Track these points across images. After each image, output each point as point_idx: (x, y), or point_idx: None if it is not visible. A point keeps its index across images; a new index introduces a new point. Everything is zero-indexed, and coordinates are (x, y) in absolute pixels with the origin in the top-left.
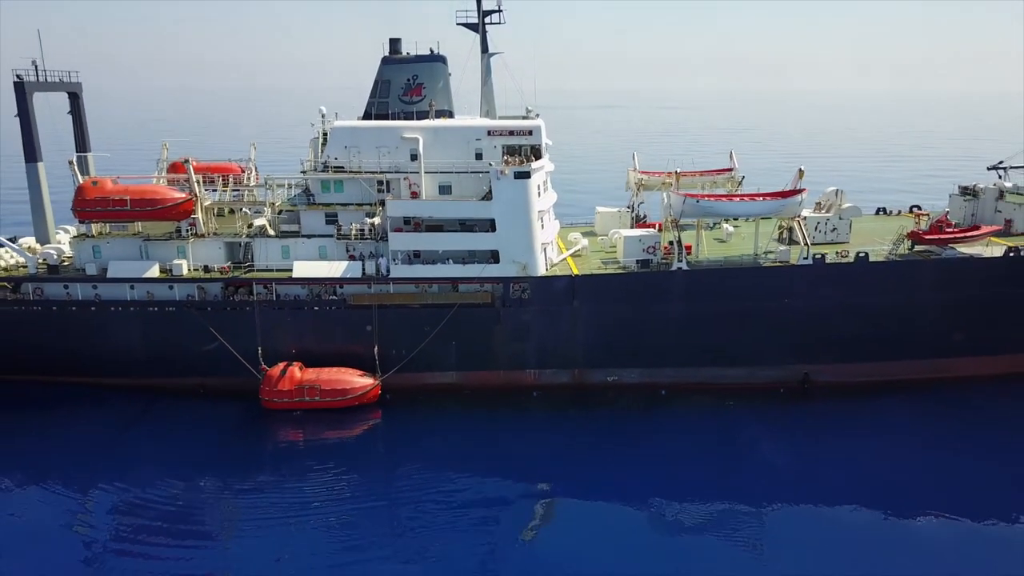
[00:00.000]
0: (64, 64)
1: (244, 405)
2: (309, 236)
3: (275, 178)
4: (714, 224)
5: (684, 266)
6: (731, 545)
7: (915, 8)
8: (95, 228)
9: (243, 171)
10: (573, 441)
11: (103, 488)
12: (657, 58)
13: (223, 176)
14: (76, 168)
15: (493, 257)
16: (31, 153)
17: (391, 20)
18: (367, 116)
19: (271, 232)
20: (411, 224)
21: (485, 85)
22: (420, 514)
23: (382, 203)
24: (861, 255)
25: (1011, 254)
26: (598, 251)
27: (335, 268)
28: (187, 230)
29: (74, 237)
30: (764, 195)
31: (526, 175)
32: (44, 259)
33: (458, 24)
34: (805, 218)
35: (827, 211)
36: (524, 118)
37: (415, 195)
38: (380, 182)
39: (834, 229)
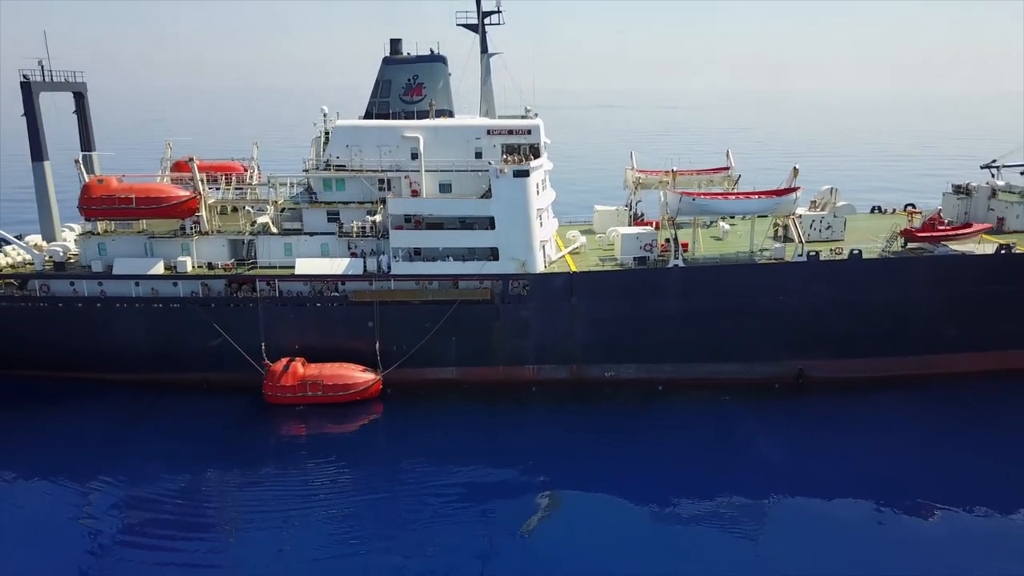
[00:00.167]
0: (64, 64)
1: (248, 400)
2: (311, 234)
3: (278, 176)
4: (710, 222)
5: (681, 263)
6: (727, 538)
7: (915, 8)
8: (101, 226)
9: (246, 170)
10: (571, 436)
11: (108, 481)
12: (657, 58)
13: (226, 175)
14: (82, 167)
15: (492, 254)
16: (37, 152)
17: (391, 20)
18: (368, 116)
19: (274, 230)
20: (412, 222)
21: (485, 85)
22: (421, 507)
23: (383, 201)
24: (855, 252)
25: (1003, 251)
26: (596, 249)
27: (337, 265)
28: (191, 228)
29: (80, 235)
30: (759, 193)
31: (525, 173)
32: (50, 256)
33: (458, 25)
34: (800, 216)
35: (822, 209)
36: (523, 117)
37: (416, 193)
38: (381, 180)
39: (829, 227)
